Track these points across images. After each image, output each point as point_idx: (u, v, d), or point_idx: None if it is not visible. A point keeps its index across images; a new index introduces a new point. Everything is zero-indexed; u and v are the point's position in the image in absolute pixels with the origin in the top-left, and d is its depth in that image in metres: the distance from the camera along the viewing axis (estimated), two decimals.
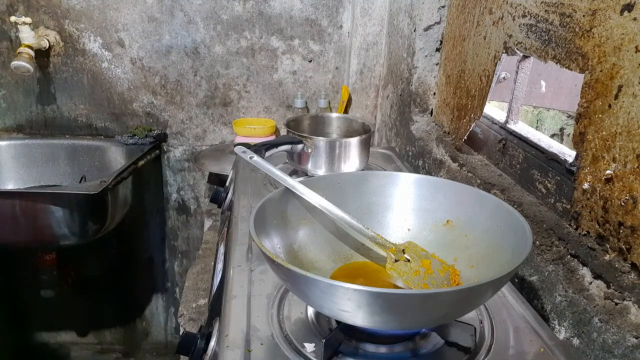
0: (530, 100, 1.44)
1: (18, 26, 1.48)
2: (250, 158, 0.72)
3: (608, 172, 0.62)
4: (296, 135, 1.01)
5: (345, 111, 1.73)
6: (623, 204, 0.60)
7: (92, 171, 1.67)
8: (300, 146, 0.99)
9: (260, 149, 0.95)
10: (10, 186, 1.64)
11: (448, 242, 0.66)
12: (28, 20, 1.48)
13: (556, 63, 0.75)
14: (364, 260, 0.68)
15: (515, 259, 0.51)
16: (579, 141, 0.69)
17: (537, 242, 0.73)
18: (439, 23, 1.23)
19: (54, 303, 1.92)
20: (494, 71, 0.95)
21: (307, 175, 1.01)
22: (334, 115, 1.17)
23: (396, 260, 0.63)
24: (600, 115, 0.64)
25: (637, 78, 0.57)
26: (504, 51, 0.90)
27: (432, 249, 0.65)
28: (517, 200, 0.81)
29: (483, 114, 1.01)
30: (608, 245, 0.63)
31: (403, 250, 0.63)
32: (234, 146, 0.77)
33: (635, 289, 0.57)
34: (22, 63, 1.45)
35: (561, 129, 1.89)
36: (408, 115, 1.34)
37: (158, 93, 1.69)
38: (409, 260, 0.62)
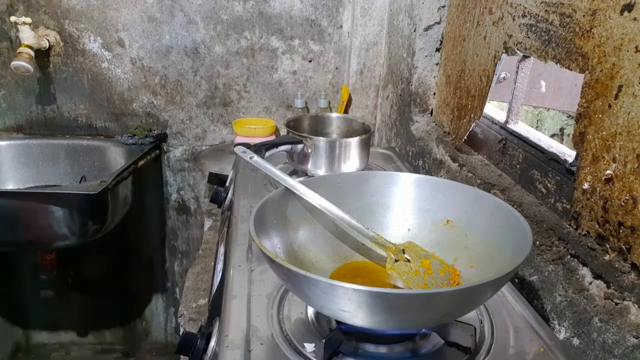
0: (530, 100, 1.44)
1: (18, 26, 1.48)
2: (250, 158, 0.72)
3: (608, 172, 0.62)
4: (296, 135, 1.01)
5: (345, 111, 1.73)
6: (623, 204, 0.60)
7: (92, 171, 1.66)
8: (300, 146, 0.99)
9: (260, 149, 0.95)
10: (10, 186, 1.64)
11: (448, 242, 0.66)
12: (28, 20, 1.48)
13: (556, 63, 0.75)
14: (363, 260, 0.68)
15: (515, 259, 0.51)
16: (579, 141, 0.69)
17: (537, 242, 0.73)
18: (439, 23, 1.23)
19: (54, 303, 1.92)
20: (494, 71, 0.95)
21: (307, 175, 1.01)
22: (334, 115, 1.17)
23: (396, 261, 0.63)
24: (600, 115, 0.64)
25: (637, 78, 0.57)
26: (504, 51, 0.90)
27: (432, 249, 0.65)
28: (517, 200, 0.81)
29: (483, 114, 1.01)
30: (608, 245, 0.63)
31: (403, 250, 0.63)
32: (234, 146, 0.76)
33: (635, 289, 0.57)
34: (22, 63, 1.45)
35: (561, 129, 1.89)
36: (408, 115, 1.34)
37: (158, 93, 1.69)
38: (409, 261, 0.62)
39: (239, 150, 0.75)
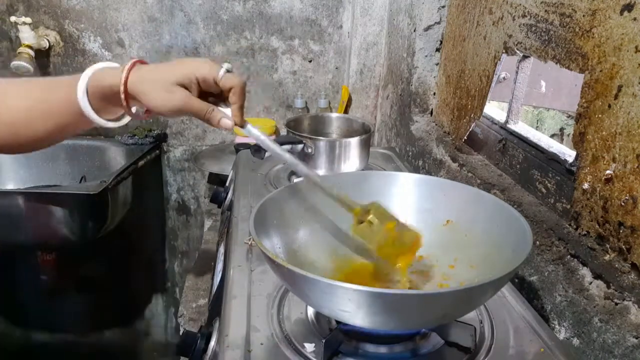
0: (530, 100, 1.44)
1: (18, 26, 1.48)
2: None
3: (608, 172, 0.62)
4: (296, 135, 1.01)
5: (345, 111, 1.73)
6: (623, 204, 0.60)
7: (92, 171, 1.66)
8: (300, 146, 0.99)
9: (260, 149, 0.95)
10: (10, 186, 1.64)
11: (448, 242, 0.66)
12: (28, 20, 1.48)
13: (556, 63, 0.75)
14: (363, 262, 0.68)
15: (515, 259, 0.51)
16: (579, 141, 0.69)
17: (537, 242, 0.73)
18: (439, 23, 1.23)
19: (54, 303, 1.92)
20: (494, 71, 0.95)
21: None
22: (334, 115, 1.17)
23: (360, 222, 0.62)
24: (600, 115, 0.64)
25: (637, 78, 0.57)
26: (504, 51, 0.90)
27: (432, 248, 0.65)
28: (517, 200, 0.81)
29: (483, 114, 1.01)
30: (608, 245, 0.63)
31: (368, 210, 0.63)
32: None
33: (635, 289, 0.57)
34: (22, 63, 1.45)
35: (561, 129, 1.89)
36: (408, 115, 1.34)
37: None
38: (371, 223, 0.62)
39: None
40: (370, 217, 0.62)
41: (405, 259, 0.61)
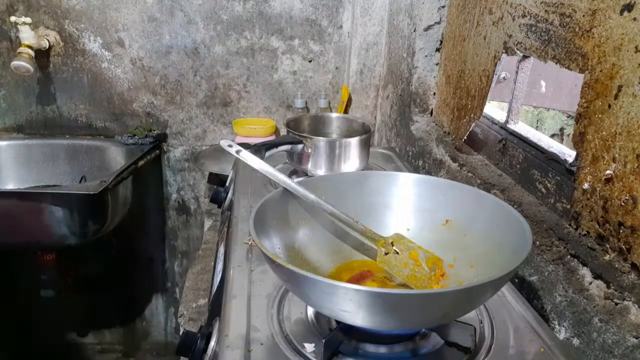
0: (530, 100, 1.44)
1: (18, 26, 1.48)
2: (237, 152, 0.70)
3: (608, 172, 0.62)
4: (296, 135, 1.01)
5: (345, 111, 1.73)
6: (623, 204, 0.60)
7: (92, 171, 1.66)
8: (300, 146, 0.99)
9: (260, 149, 0.95)
10: (10, 186, 1.64)
11: (447, 242, 0.66)
12: (28, 20, 1.48)
13: (556, 63, 0.75)
14: (364, 260, 0.68)
15: (515, 259, 0.51)
16: (579, 141, 0.69)
17: (537, 242, 0.73)
18: (439, 23, 1.23)
19: (54, 303, 1.92)
20: (494, 71, 0.95)
21: (307, 175, 1.01)
22: (334, 115, 1.17)
23: (386, 254, 0.63)
24: (600, 115, 0.64)
25: (637, 78, 0.57)
26: (504, 51, 0.90)
27: (431, 248, 0.65)
28: (517, 200, 0.81)
29: (483, 114, 1.01)
30: (608, 245, 0.63)
31: (392, 242, 0.63)
32: (221, 140, 0.74)
33: (635, 289, 0.57)
34: (22, 63, 1.45)
35: (561, 129, 1.89)
36: (408, 115, 1.34)
37: (158, 93, 1.69)
38: (397, 253, 0.62)
39: (224, 144, 0.71)
40: (395, 247, 0.62)
41: (434, 280, 0.61)
